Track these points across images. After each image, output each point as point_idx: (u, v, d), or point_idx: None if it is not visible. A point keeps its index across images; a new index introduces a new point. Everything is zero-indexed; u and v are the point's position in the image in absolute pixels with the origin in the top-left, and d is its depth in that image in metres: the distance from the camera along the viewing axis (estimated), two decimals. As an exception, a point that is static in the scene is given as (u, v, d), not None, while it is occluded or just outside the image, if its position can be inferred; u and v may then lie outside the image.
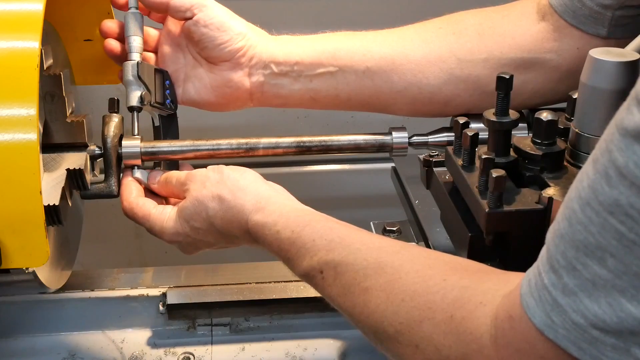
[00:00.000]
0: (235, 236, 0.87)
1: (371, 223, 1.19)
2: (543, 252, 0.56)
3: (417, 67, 0.99)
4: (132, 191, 0.95)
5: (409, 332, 0.65)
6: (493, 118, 0.78)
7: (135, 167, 0.98)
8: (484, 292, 0.62)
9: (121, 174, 0.98)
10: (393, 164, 1.22)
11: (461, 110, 1.00)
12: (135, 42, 0.99)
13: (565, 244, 0.53)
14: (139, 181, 0.97)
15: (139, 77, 0.97)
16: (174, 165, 1.03)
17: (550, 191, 0.71)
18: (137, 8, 1.00)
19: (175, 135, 1.06)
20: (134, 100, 0.98)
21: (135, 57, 0.99)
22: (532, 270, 0.57)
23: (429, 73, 0.99)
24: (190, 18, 0.97)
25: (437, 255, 0.72)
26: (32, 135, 0.76)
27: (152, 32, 1.04)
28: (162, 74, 1.00)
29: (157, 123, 1.04)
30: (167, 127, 1.04)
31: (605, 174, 0.49)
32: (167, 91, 1.01)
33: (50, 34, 1.01)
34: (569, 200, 0.54)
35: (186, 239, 0.91)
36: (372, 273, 0.70)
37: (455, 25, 1.00)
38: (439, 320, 0.63)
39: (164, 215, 0.91)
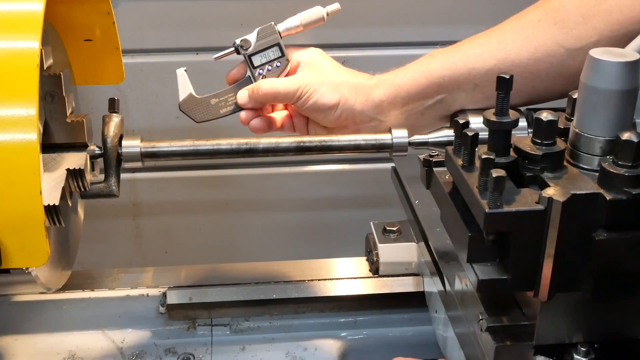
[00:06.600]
0: None
1: (371, 223, 1.19)
2: None
3: (526, 69, 0.96)
4: None
5: None
6: (493, 118, 0.78)
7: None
8: None
9: (121, 174, 0.98)
10: (393, 164, 1.22)
11: None
12: (291, 20, 1.09)
13: None
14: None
15: (258, 32, 1.08)
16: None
17: (550, 191, 0.71)
18: None
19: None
20: (238, 39, 1.08)
21: (281, 24, 1.08)
22: None
23: (539, 71, 0.96)
24: (294, 103, 1.04)
25: None
26: (32, 135, 0.76)
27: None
28: (280, 52, 1.07)
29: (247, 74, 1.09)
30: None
31: None
32: (269, 68, 1.06)
33: (50, 34, 1.01)
34: None
35: None
36: None
37: (556, 14, 0.95)
38: None
39: None
